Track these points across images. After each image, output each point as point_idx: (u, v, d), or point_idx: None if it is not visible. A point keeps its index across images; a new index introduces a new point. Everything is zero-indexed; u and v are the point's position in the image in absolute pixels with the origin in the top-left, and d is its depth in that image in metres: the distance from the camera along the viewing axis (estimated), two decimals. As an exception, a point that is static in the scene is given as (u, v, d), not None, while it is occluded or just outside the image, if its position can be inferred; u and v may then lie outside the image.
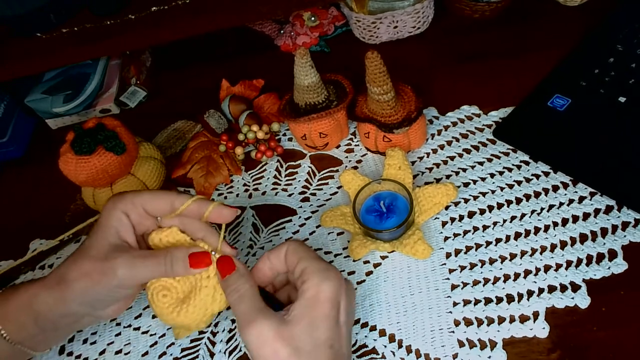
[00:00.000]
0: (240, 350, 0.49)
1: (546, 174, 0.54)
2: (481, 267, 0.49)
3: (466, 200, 0.54)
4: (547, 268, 0.47)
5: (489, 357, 0.44)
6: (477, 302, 0.47)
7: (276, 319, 0.37)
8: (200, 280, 0.42)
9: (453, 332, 0.46)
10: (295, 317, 0.37)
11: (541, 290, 0.46)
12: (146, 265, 0.40)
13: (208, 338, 0.51)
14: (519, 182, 0.54)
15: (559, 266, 0.47)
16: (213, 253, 0.42)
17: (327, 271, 0.39)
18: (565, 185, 0.53)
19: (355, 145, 0.63)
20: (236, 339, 0.50)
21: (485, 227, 0.52)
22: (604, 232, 0.49)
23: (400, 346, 0.46)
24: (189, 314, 0.42)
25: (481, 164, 0.57)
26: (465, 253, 0.50)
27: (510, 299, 0.47)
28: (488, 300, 0.47)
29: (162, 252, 0.41)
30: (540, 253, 0.49)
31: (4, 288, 0.44)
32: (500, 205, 0.53)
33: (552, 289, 0.46)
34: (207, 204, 0.42)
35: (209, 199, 0.61)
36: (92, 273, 0.39)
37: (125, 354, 0.51)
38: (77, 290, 0.40)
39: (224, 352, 0.49)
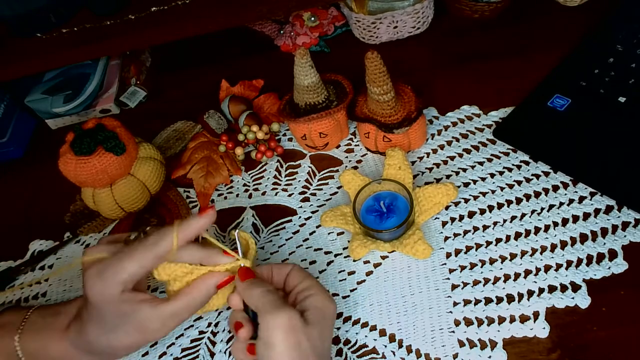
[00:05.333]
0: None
1: (546, 174, 0.54)
2: (481, 267, 0.49)
3: (466, 200, 0.54)
4: (547, 268, 0.47)
5: (489, 357, 0.44)
6: (477, 302, 0.47)
7: (300, 315, 0.39)
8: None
9: (453, 332, 0.46)
10: (312, 321, 0.39)
11: (541, 290, 0.46)
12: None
13: (208, 338, 0.50)
14: (519, 182, 0.54)
15: (559, 266, 0.47)
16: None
17: (329, 295, 0.42)
18: (565, 185, 0.53)
19: (355, 145, 0.63)
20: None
21: (485, 227, 0.52)
22: (604, 232, 0.49)
23: (400, 346, 0.46)
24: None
25: (481, 164, 0.57)
26: (466, 253, 0.50)
27: (510, 299, 0.47)
28: (488, 300, 0.47)
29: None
30: (541, 253, 0.49)
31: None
32: (500, 205, 0.53)
33: (552, 289, 0.46)
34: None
35: (208, 202, 0.60)
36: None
37: (125, 354, 0.51)
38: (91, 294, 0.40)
39: (224, 352, 0.49)
